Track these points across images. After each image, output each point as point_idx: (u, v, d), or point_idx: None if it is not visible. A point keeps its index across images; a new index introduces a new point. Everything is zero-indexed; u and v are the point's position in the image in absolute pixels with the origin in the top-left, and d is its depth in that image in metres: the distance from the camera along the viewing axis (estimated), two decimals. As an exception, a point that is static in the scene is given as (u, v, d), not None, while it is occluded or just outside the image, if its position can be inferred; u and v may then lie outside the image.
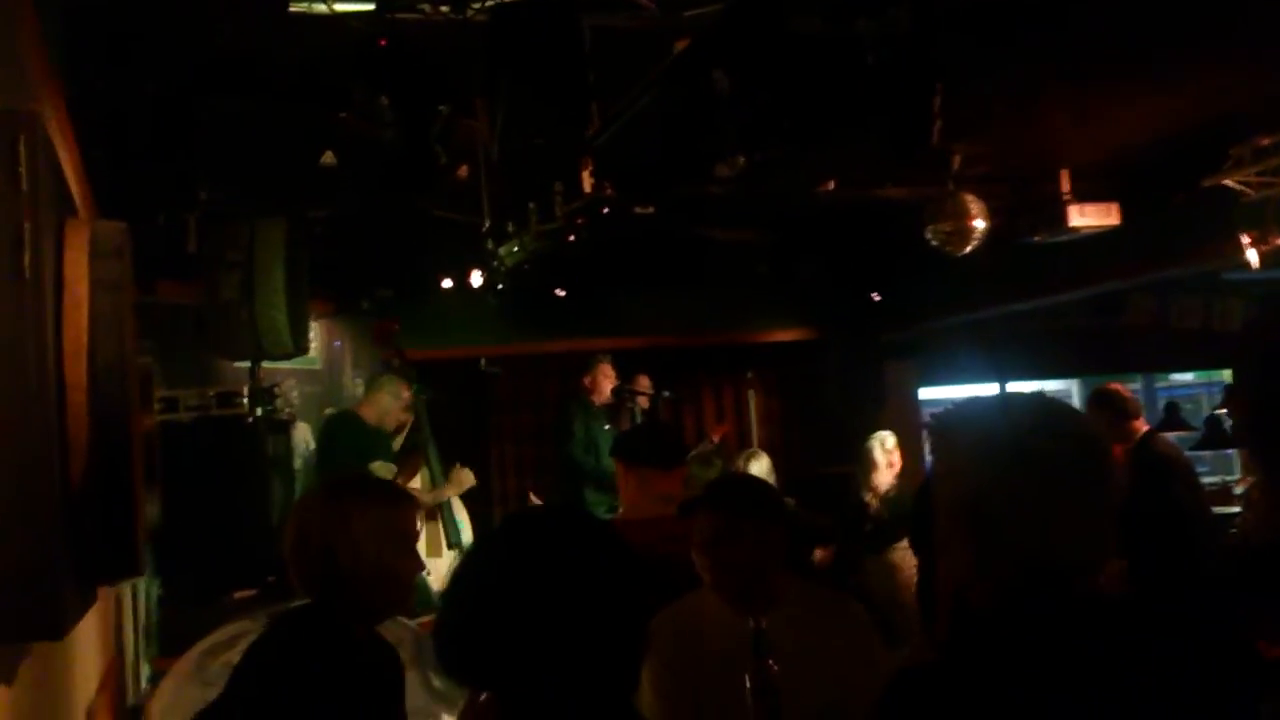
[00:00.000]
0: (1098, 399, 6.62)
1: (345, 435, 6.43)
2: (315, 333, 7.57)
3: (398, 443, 6.76)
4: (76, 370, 1.48)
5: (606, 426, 7.91)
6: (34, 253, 1.42)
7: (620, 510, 3.68)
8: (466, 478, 6.77)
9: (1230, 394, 3.99)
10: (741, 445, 9.69)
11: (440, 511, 6.76)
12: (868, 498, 6.84)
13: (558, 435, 7.92)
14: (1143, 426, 6.50)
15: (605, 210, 3.82)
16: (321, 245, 6.41)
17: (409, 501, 2.55)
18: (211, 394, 5.02)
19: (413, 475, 6.68)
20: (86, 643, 2.75)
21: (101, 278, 1.55)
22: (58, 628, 1.38)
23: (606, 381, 7.92)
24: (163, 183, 4.32)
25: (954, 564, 1.61)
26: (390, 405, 6.56)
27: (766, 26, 2.56)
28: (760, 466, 6.52)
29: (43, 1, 2.85)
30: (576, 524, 1.66)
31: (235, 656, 3.40)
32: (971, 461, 1.60)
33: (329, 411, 7.26)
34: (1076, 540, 1.55)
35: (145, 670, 4.59)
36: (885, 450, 6.88)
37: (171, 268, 5.61)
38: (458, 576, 1.70)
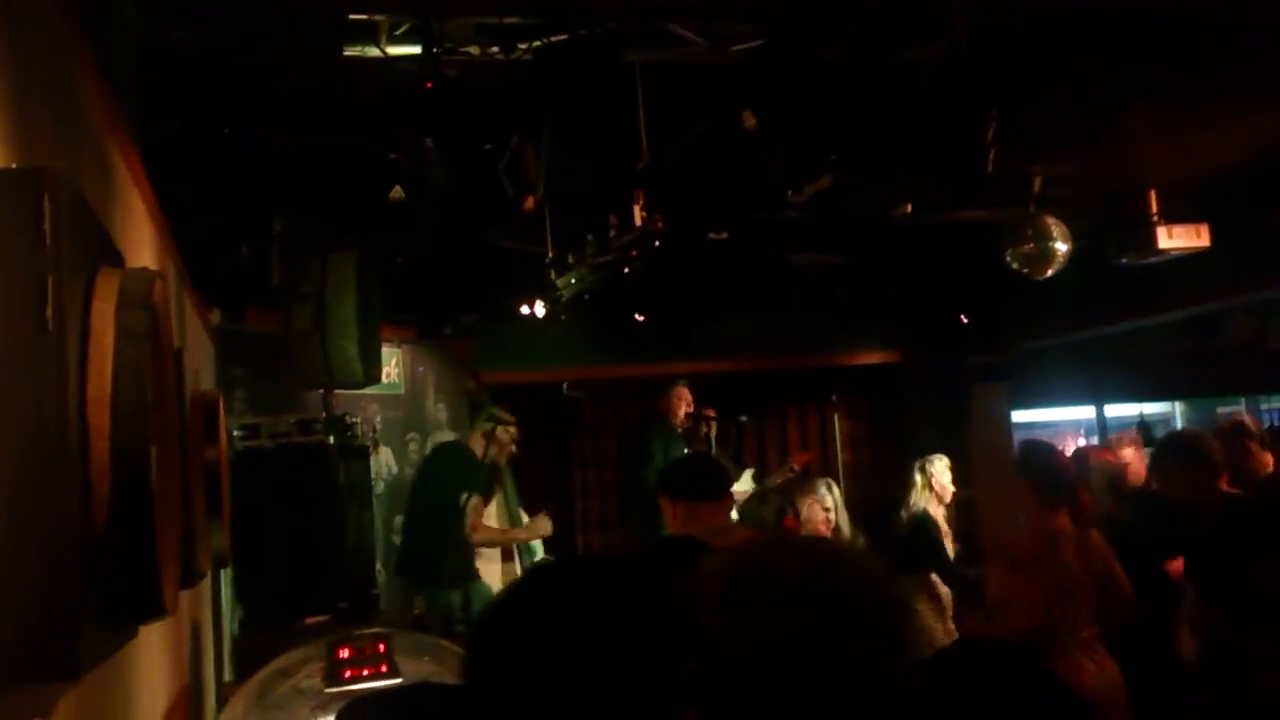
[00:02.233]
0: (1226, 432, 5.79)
1: (449, 461, 6.52)
2: (398, 358, 7.72)
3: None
4: (99, 417, 1.52)
5: (685, 450, 7.91)
6: (57, 306, 1.46)
7: None
8: (545, 526, 6.75)
9: None
10: (825, 471, 9.62)
11: (517, 549, 6.80)
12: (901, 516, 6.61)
13: (636, 458, 7.93)
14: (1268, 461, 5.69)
15: (656, 243, 3.83)
16: (403, 272, 6.56)
17: None
18: (292, 421, 5.12)
19: (486, 504, 6.72)
20: (151, 672, 2.82)
21: (127, 327, 1.59)
22: (75, 669, 1.42)
23: (682, 405, 7.93)
24: (240, 218, 4.46)
25: None
26: (501, 438, 6.62)
27: (800, 62, 2.55)
28: (837, 494, 6.38)
29: (109, 52, 2.97)
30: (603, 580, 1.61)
31: (300, 682, 3.49)
32: None
33: (443, 439, 7.41)
34: None
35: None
36: (924, 474, 6.64)
37: (259, 297, 5.78)
38: (483, 623, 1.66)
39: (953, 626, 5.83)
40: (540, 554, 6.88)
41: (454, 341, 7.28)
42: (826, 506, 5.90)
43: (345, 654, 3.18)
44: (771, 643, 1.66)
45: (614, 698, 1.50)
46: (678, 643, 1.57)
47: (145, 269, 1.84)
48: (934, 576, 6.14)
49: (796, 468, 8.13)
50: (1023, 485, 4.55)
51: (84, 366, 1.54)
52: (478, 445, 6.52)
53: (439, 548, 6.15)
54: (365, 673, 3.16)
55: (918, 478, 6.61)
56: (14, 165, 1.55)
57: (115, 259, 1.90)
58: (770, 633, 1.66)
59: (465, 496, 6.22)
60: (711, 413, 8.10)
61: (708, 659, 1.61)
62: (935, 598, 6.07)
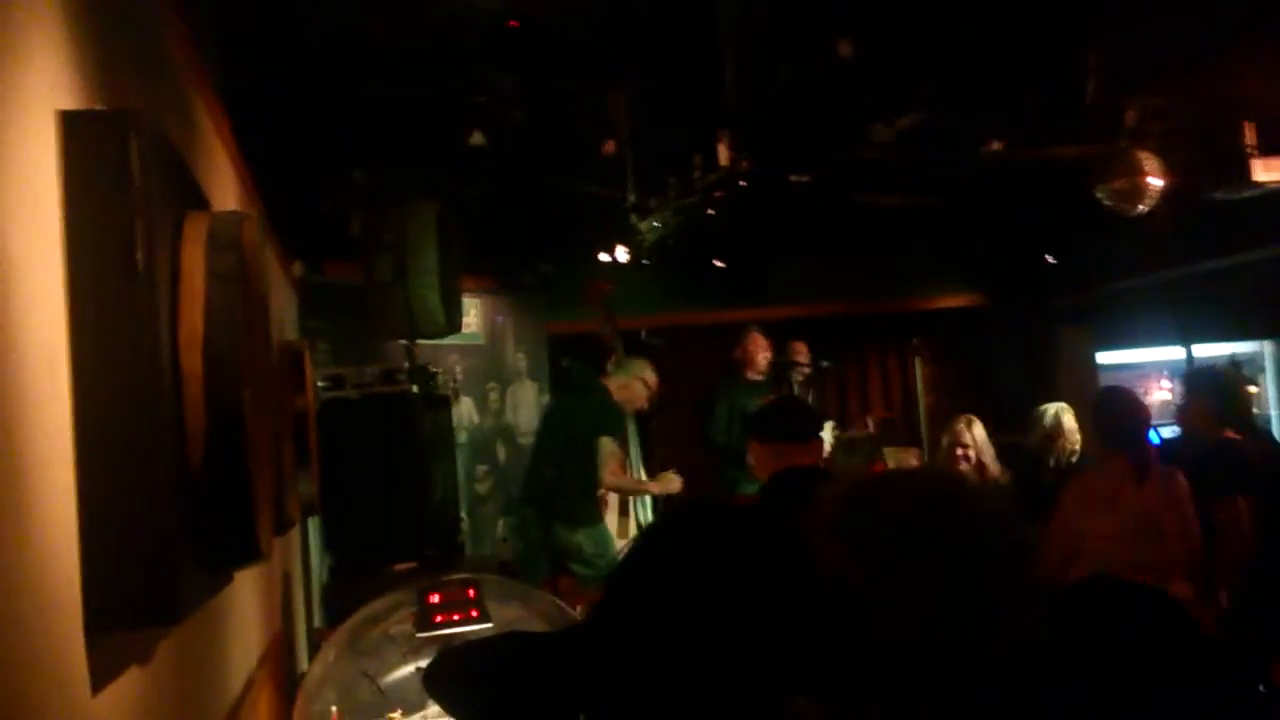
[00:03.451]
0: None
1: (589, 402, 6.56)
2: (477, 308, 7.73)
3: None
4: (192, 361, 1.51)
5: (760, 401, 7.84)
6: (147, 249, 1.45)
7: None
8: (676, 483, 6.76)
9: None
10: (906, 417, 9.49)
11: (633, 503, 6.82)
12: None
13: (708, 415, 7.94)
14: None
15: (742, 184, 3.75)
16: (480, 222, 6.54)
17: None
18: (376, 371, 5.15)
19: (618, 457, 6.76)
20: (245, 618, 2.85)
21: (217, 270, 1.58)
22: (174, 614, 1.42)
23: (760, 352, 7.85)
24: (321, 168, 4.47)
25: None
26: (640, 390, 6.67)
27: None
28: (979, 432, 6.06)
29: (193, 7, 2.95)
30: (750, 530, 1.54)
31: (390, 628, 3.52)
32: None
33: (522, 388, 7.45)
34: None
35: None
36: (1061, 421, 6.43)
37: (339, 249, 5.81)
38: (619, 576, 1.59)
39: None
40: (652, 512, 6.89)
41: (594, 283, 7.26)
42: (965, 443, 5.70)
43: (436, 599, 3.20)
44: (878, 577, 1.62)
45: (740, 652, 1.44)
46: (808, 605, 1.50)
47: (234, 211, 1.83)
48: None
49: (870, 425, 7.97)
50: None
51: (175, 310, 1.53)
52: (623, 393, 6.55)
53: (578, 488, 6.23)
54: (455, 618, 3.18)
55: (1064, 419, 6.28)
56: (99, 107, 1.53)
57: (202, 203, 1.89)
58: (876, 566, 1.62)
59: (604, 441, 6.31)
60: (803, 357, 8.01)
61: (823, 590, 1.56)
62: None
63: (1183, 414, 5.30)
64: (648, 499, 6.87)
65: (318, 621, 5.04)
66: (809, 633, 1.44)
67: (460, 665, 1.73)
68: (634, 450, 6.90)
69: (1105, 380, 10.80)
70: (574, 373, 6.96)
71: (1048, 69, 2.93)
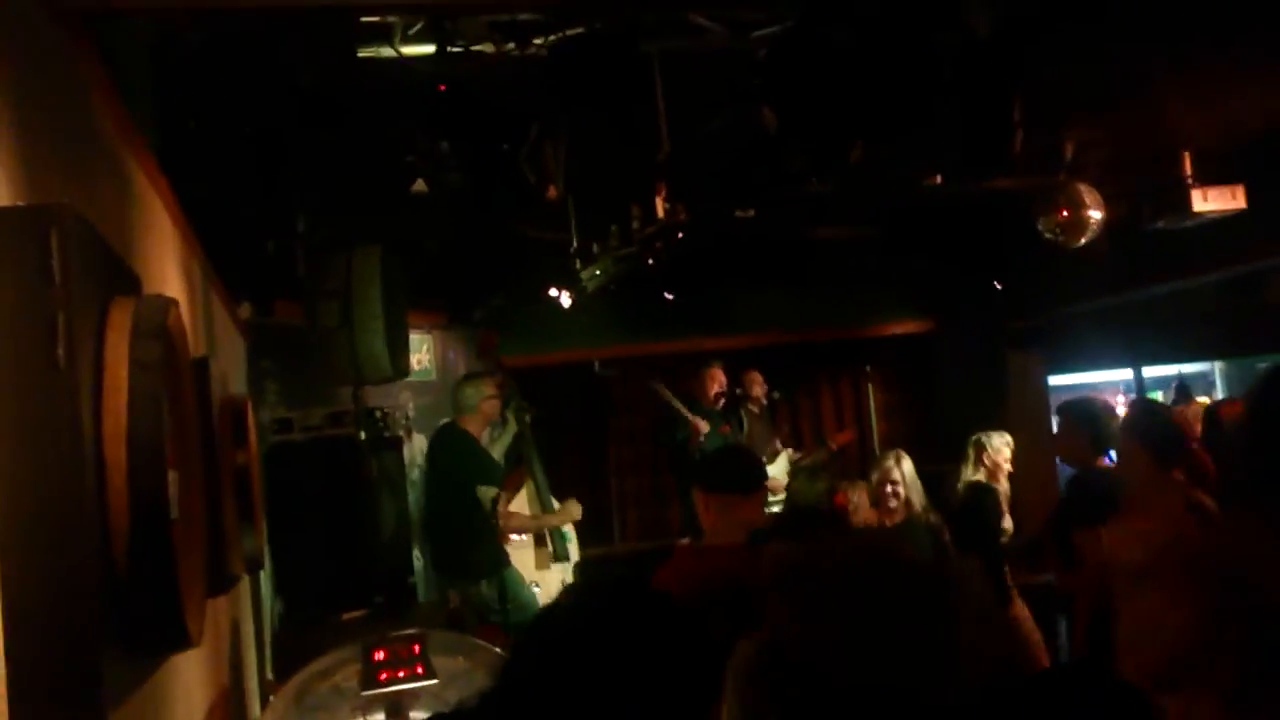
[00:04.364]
0: None
1: (449, 454, 6.41)
2: (429, 344, 7.72)
3: (499, 449, 6.74)
4: (116, 452, 1.52)
5: (720, 432, 7.89)
6: (69, 343, 1.46)
7: (703, 537, 3.61)
8: (575, 511, 6.77)
9: None
10: (862, 443, 9.57)
11: (549, 534, 6.81)
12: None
13: (669, 441, 7.93)
14: None
15: (680, 235, 3.79)
16: (430, 258, 6.54)
17: None
18: (323, 414, 5.14)
19: (516, 492, 6.71)
20: (186, 681, 2.83)
21: (141, 358, 1.58)
22: (97, 707, 1.42)
23: (713, 385, 7.92)
24: (263, 215, 4.46)
25: None
26: (493, 404, 6.55)
27: (817, 56, 2.50)
28: (908, 467, 6.06)
29: (122, 59, 2.96)
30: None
31: (340, 682, 3.51)
32: None
33: (443, 422, 7.37)
34: None
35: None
36: (978, 448, 6.38)
37: (288, 289, 5.78)
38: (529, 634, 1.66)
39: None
40: (573, 538, 6.88)
41: (485, 334, 7.25)
42: (894, 479, 5.67)
43: (380, 656, 3.20)
44: (811, 634, 1.73)
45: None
46: (713, 678, 1.64)
47: (160, 296, 1.84)
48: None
49: (834, 447, 8.04)
50: (1132, 449, 4.27)
51: (98, 402, 1.53)
52: (471, 421, 6.45)
53: (467, 542, 6.12)
54: (401, 674, 3.17)
55: (970, 453, 6.40)
56: (21, 202, 1.54)
57: (130, 285, 1.89)
58: (811, 625, 1.74)
59: (484, 489, 6.19)
60: (758, 388, 8.09)
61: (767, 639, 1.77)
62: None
63: (1058, 445, 5.22)
64: (568, 528, 6.87)
65: (270, 672, 5.00)
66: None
67: None
68: (539, 475, 6.86)
69: (1057, 402, 10.98)
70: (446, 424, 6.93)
71: (981, 114, 2.98)
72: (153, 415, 1.57)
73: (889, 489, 5.61)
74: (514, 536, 6.51)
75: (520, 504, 6.64)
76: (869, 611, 1.79)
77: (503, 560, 6.26)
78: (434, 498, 6.42)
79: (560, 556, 6.72)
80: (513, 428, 6.81)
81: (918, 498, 5.65)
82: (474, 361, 8.19)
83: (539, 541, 6.71)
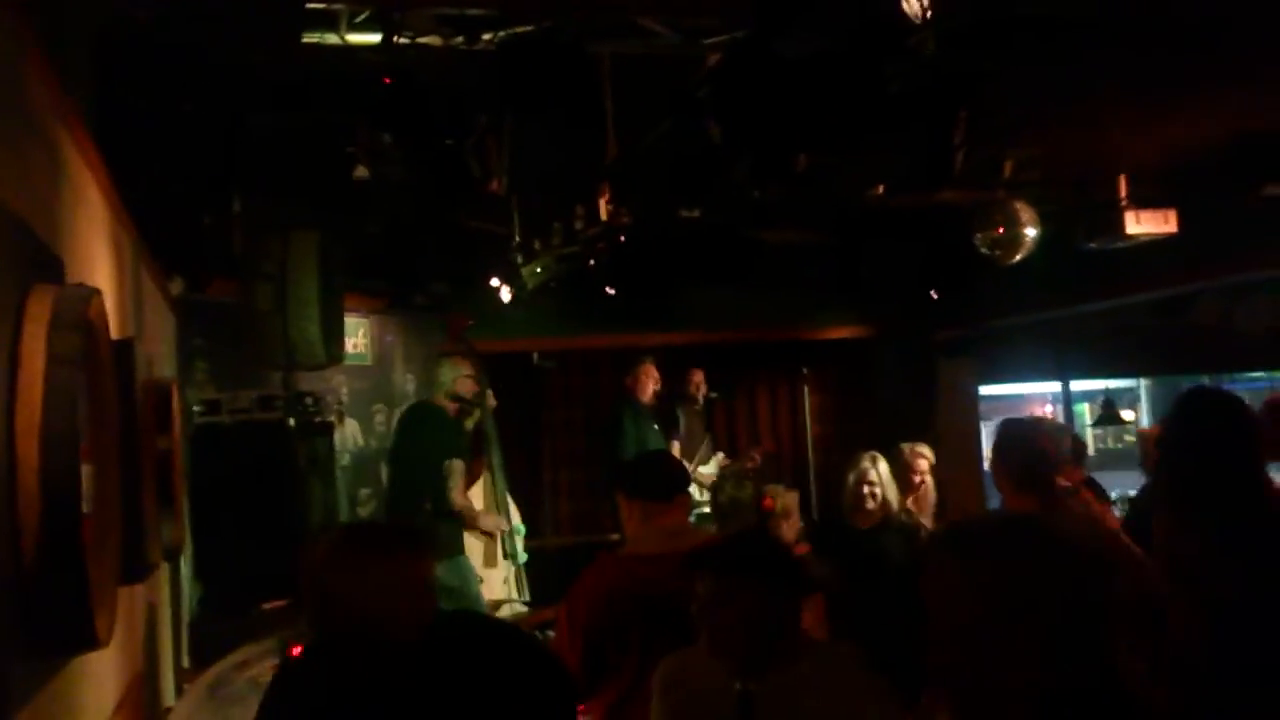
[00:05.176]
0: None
1: (426, 429, 6.44)
2: (365, 328, 7.64)
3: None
4: (28, 448, 1.48)
5: (655, 426, 7.89)
6: (-17, 335, 1.42)
7: (625, 544, 3.58)
8: (501, 524, 6.71)
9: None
10: (795, 446, 9.62)
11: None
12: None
13: (608, 435, 7.90)
14: None
15: (622, 238, 3.78)
16: (371, 242, 6.47)
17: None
18: (253, 397, 5.05)
19: (474, 481, 6.65)
20: (97, 669, 2.78)
21: (59, 352, 1.54)
22: (2, 708, 1.39)
23: (650, 381, 7.91)
24: (200, 193, 4.38)
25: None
26: (456, 381, 6.53)
27: (763, 72, 2.50)
28: (884, 469, 5.63)
29: (60, 33, 2.89)
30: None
31: (259, 676, 3.45)
32: None
33: (410, 403, 7.31)
34: None
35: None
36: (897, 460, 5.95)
37: (223, 266, 5.68)
38: None
39: None
40: (521, 537, 6.82)
41: (454, 317, 7.18)
42: (871, 480, 5.49)
43: (298, 653, 3.15)
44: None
45: None
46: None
47: (81, 285, 1.79)
48: None
49: (757, 457, 8.03)
50: (995, 469, 4.38)
51: (12, 397, 1.49)
52: (449, 404, 6.47)
53: (430, 518, 6.11)
54: (318, 670, 3.13)
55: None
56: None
57: (52, 272, 1.85)
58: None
59: (447, 463, 6.18)
60: (699, 388, 8.10)
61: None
62: None
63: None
64: (512, 510, 6.83)
65: (186, 660, 4.92)
66: None
67: None
68: (499, 481, 6.82)
69: (988, 411, 11.15)
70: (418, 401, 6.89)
71: (925, 131, 3.01)
72: (68, 410, 1.53)
73: (866, 490, 5.50)
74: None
75: (474, 497, 6.58)
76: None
77: (460, 545, 6.25)
78: (401, 471, 6.41)
79: (509, 554, 6.66)
80: (479, 414, 6.76)
81: (894, 498, 5.60)
82: (411, 346, 8.13)
83: (488, 534, 6.65)
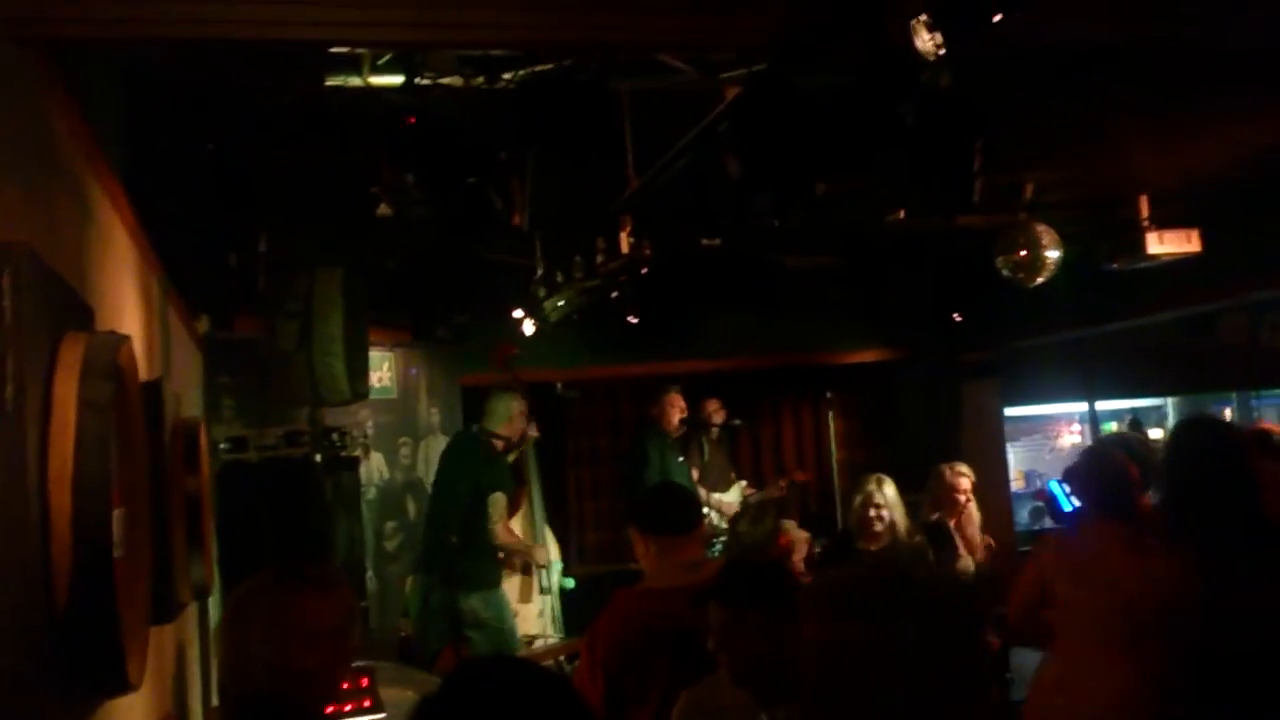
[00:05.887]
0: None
1: (469, 459, 6.48)
2: (390, 362, 7.68)
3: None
4: (61, 497, 1.50)
5: (680, 459, 7.89)
6: (16, 383, 1.44)
7: (643, 579, 3.53)
8: (542, 555, 6.70)
9: None
10: (820, 471, 9.60)
11: (535, 566, 6.73)
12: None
13: (633, 464, 7.89)
14: None
15: (644, 270, 3.80)
16: (394, 276, 6.51)
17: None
18: (279, 434, 5.09)
19: (515, 511, 6.65)
20: (128, 709, 2.80)
21: (90, 399, 1.57)
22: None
23: (675, 411, 7.91)
24: (225, 233, 4.43)
25: None
26: (515, 416, 6.56)
27: (782, 107, 2.52)
28: (890, 491, 5.68)
29: (87, 78, 2.94)
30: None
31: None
32: None
33: (457, 432, 7.35)
34: None
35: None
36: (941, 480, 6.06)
37: (248, 304, 5.73)
38: None
39: None
40: (558, 571, 6.81)
41: (502, 346, 7.23)
42: (877, 503, 5.49)
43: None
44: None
45: None
46: None
47: (111, 333, 1.82)
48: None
49: (797, 479, 7.99)
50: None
51: (45, 444, 1.51)
52: (505, 429, 6.49)
53: (469, 549, 6.13)
54: (348, 708, 3.14)
55: (930, 484, 6.12)
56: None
57: (83, 319, 1.87)
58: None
59: (496, 496, 6.21)
60: (717, 416, 8.07)
61: None
62: None
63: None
64: (549, 543, 6.82)
65: (214, 699, 4.93)
66: None
67: None
68: (538, 511, 6.82)
69: (1013, 432, 11.10)
70: (466, 431, 6.91)
71: (942, 162, 3.02)
72: (100, 457, 1.56)
73: (873, 513, 5.49)
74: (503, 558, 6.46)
75: (514, 525, 6.59)
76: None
77: (498, 578, 6.26)
78: (443, 500, 6.43)
79: (545, 589, 6.65)
80: (524, 446, 6.81)
81: (902, 520, 5.57)
82: (435, 379, 8.15)
83: (525, 570, 6.64)
